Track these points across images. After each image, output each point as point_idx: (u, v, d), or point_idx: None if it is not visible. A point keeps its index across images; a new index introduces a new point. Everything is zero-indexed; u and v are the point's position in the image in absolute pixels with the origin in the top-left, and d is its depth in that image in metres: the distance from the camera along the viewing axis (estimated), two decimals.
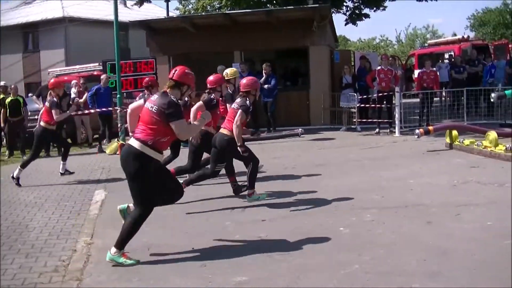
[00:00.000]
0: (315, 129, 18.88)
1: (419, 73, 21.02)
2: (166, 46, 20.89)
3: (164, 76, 19.87)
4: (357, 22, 32.61)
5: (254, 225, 7.70)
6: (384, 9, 32.21)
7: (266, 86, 18.34)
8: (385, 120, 18.30)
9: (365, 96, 19.11)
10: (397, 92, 17.59)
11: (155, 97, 6.70)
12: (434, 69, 21.06)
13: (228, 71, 11.53)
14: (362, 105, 18.98)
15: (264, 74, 18.56)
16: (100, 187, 11.43)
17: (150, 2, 30.93)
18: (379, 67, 18.68)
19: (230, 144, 9.05)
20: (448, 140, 13.80)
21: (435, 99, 21.08)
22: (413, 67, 32.62)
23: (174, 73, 6.83)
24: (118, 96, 17.31)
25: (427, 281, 5.39)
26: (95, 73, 22.15)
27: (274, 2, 29.62)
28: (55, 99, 12.23)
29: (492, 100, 14.53)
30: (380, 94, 18.21)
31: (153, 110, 6.50)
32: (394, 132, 17.37)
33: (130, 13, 34.85)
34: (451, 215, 7.78)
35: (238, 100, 9.34)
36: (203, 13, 30.01)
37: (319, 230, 7.33)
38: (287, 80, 23.23)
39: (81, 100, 17.84)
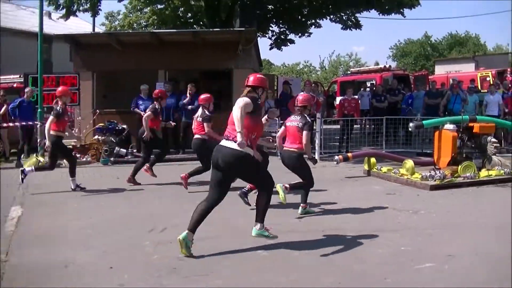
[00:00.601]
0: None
1: (340, 100, 21.51)
2: (91, 61, 20.63)
3: (87, 92, 19.86)
4: (282, 47, 33.07)
5: (172, 246, 7.72)
6: (309, 36, 32.84)
7: (190, 106, 18.42)
8: None
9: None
10: (318, 118, 17.92)
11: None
12: (356, 96, 21.58)
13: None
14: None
15: (188, 95, 18.63)
16: (17, 203, 11.22)
17: (77, 16, 30.67)
18: (302, 93, 19.00)
19: (299, 159, 10.02)
20: (366, 167, 14.18)
21: (355, 126, 21.56)
22: (335, 94, 33.20)
23: (249, 80, 7.93)
24: (39, 110, 17.11)
25: None
26: (15, 85, 21.79)
27: (201, 23, 29.83)
28: (59, 108, 12.34)
29: (410, 129, 15.00)
30: None
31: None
32: (314, 157, 17.62)
33: (54, 26, 34.46)
34: (366, 240, 8.04)
35: (297, 117, 10.04)
36: (130, 31, 29.97)
37: (238, 253, 7.46)
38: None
39: (0, 113, 17.57)
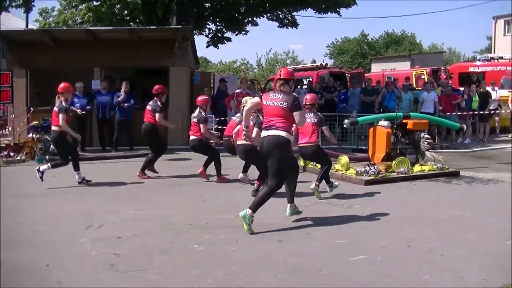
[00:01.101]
0: (172, 149, 18.95)
1: None
2: (24, 59, 20.28)
3: (21, 90, 19.54)
4: (219, 44, 33.06)
5: (110, 242, 7.72)
6: (246, 33, 32.86)
7: (126, 104, 18.34)
8: None
9: (223, 118, 19.43)
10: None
11: (276, 95, 8.59)
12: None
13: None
14: (220, 127, 19.29)
15: (123, 93, 18.51)
16: None
17: (9, 12, 30.13)
18: (238, 90, 19.11)
19: (319, 149, 11.54)
20: (302, 163, 14.28)
21: None
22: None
23: (281, 73, 8.88)
24: None
25: None
26: None
27: (137, 21, 29.62)
28: (63, 103, 12.49)
29: (345, 126, 15.19)
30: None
31: (283, 105, 8.47)
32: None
33: None
34: (301, 234, 8.16)
35: (310, 114, 11.21)
36: (65, 28, 29.57)
37: (174, 248, 7.47)
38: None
39: None
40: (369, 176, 12.66)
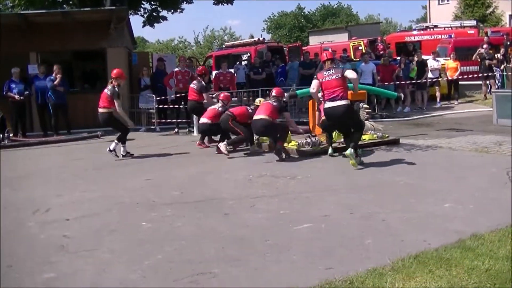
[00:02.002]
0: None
1: (215, 74, 21.69)
2: None
3: None
4: (155, 24, 32.81)
5: (58, 225, 7.76)
6: (181, 11, 32.67)
7: (62, 88, 18.17)
8: (184, 120, 18.74)
9: (163, 97, 19.42)
10: None
11: (329, 72, 11.26)
12: (231, 70, 21.80)
13: None
14: (161, 106, 19.30)
15: (57, 77, 18.25)
16: None
17: None
18: (176, 69, 19.10)
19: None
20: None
21: (232, 99, 21.78)
22: (210, 69, 33.35)
23: (326, 55, 11.92)
24: None
25: (225, 266, 5.81)
26: None
27: (71, 3, 29.16)
28: (116, 88, 13.47)
29: (284, 99, 15.34)
30: (178, 95, 18.64)
31: (339, 76, 11.11)
32: (193, 131, 17.81)
33: None
34: (246, 207, 8.33)
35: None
36: None
37: (123, 226, 7.56)
38: (85, 82, 22.97)
39: None
40: (311, 147, 12.87)
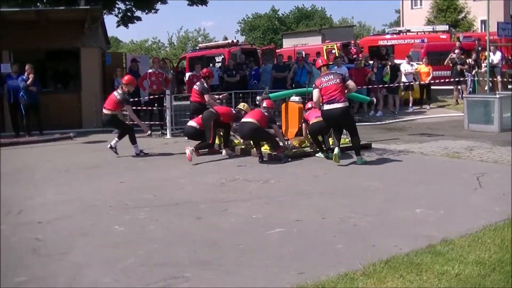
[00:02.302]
0: (87, 131, 18.83)
1: (189, 76, 21.65)
2: None
3: None
4: (129, 24, 32.64)
5: (30, 227, 7.73)
6: (156, 12, 32.54)
7: (34, 88, 18.01)
8: (157, 122, 18.68)
9: (136, 99, 19.35)
10: (168, 95, 18.03)
11: (327, 78, 11.92)
12: None
13: None
14: (134, 107, 19.21)
15: (29, 76, 18.03)
16: None
17: None
18: (150, 70, 19.06)
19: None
20: (218, 141, 14.40)
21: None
22: (184, 70, 33.26)
23: (321, 61, 12.78)
24: None
25: (198, 270, 5.86)
26: None
27: (45, 1, 28.94)
28: (126, 95, 14.15)
29: (257, 102, 15.39)
30: (151, 97, 18.61)
31: (337, 82, 11.74)
32: (166, 134, 17.80)
33: None
34: (219, 211, 8.37)
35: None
36: None
37: (96, 229, 7.57)
38: (58, 82, 22.82)
39: None
40: (283, 151, 12.91)
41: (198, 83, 15.98)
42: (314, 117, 12.67)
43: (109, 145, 13.83)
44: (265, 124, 12.80)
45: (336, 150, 11.71)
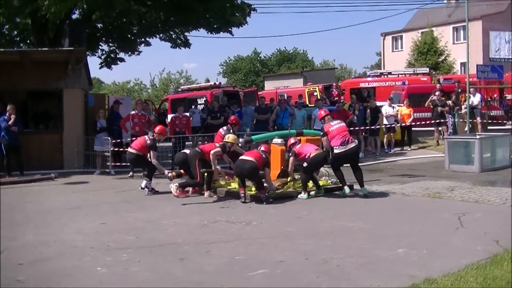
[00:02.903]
0: (68, 172, 18.75)
1: (172, 118, 21.70)
2: None
3: None
4: (112, 65, 32.69)
5: (12, 269, 7.61)
6: (139, 54, 32.67)
7: (16, 128, 17.86)
8: None
9: (118, 140, 19.34)
10: None
11: (335, 122, 13.52)
12: (187, 114, 21.84)
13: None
14: (116, 149, 19.20)
15: (11, 117, 17.90)
16: None
17: None
18: (133, 112, 19.09)
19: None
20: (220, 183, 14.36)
21: (187, 143, 21.76)
22: (166, 112, 33.31)
23: (324, 112, 14.05)
24: None
25: None
26: None
27: (28, 42, 28.99)
28: (156, 142, 14.92)
29: (240, 145, 15.42)
30: (133, 138, 18.59)
31: (344, 124, 13.67)
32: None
33: None
34: (202, 252, 8.32)
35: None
36: None
37: (77, 271, 7.48)
38: (40, 122, 22.72)
39: None
40: (267, 192, 12.91)
41: (225, 127, 16.98)
42: (313, 149, 13.14)
43: (141, 188, 14.56)
44: (261, 166, 12.83)
45: (348, 189, 13.03)
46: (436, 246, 8.23)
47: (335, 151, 13.00)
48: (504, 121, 27.60)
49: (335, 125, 13.29)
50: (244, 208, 12.01)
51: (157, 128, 15.39)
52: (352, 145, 13.10)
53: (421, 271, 6.83)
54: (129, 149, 15.13)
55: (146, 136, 15.22)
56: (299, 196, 12.97)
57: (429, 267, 7.04)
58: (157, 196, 13.87)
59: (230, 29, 28.07)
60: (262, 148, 13.34)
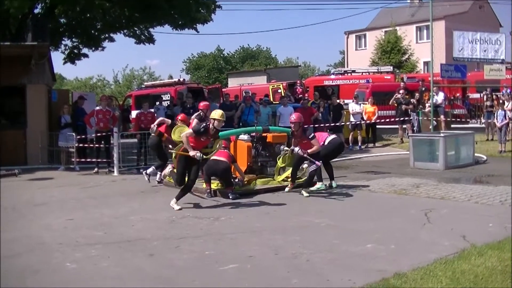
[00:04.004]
0: (32, 168, 18.58)
1: (137, 114, 21.60)
2: None
3: None
4: (76, 61, 32.38)
5: None
6: (102, 50, 32.40)
7: None
8: (104, 160, 18.54)
9: (83, 136, 19.20)
10: (115, 132, 17.97)
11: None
12: (152, 110, 21.77)
13: None
14: (81, 145, 19.07)
15: None
16: None
17: None
18: (97, 107, 18.96)
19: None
20: (169, 179, 14.32)
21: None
22: (130, 108, 33.19)
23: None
24: None
25: None
26: None
27: None
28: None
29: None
30: (98, 134, 18.48)
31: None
32: (113, 171, 17.67)
33: None
34: (171, 247, 8.32)
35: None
36: None
37: (46, 267, 7.43)
38: (2, 118, 22.44)
39: None
40: (236, 184, 12.94)
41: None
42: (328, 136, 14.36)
43: (146, 173, 14.98)
44: (230, 163, 12.93)
45: (334, 183, 13.54)
46: (404, 241, 8.32)
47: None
48: (467, 120, 28.03)
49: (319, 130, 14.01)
50: (212, 204, 12.02)
51: (178, 118, 15.30)
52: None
53: (390, 266, 6.90)
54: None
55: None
56: (316, 186, 13.12)
57: (399, 262, 7.11)
58: (123, 192, 13.83)
59: (195, 25, 27.99)
60: (223, 145, 13.42)
